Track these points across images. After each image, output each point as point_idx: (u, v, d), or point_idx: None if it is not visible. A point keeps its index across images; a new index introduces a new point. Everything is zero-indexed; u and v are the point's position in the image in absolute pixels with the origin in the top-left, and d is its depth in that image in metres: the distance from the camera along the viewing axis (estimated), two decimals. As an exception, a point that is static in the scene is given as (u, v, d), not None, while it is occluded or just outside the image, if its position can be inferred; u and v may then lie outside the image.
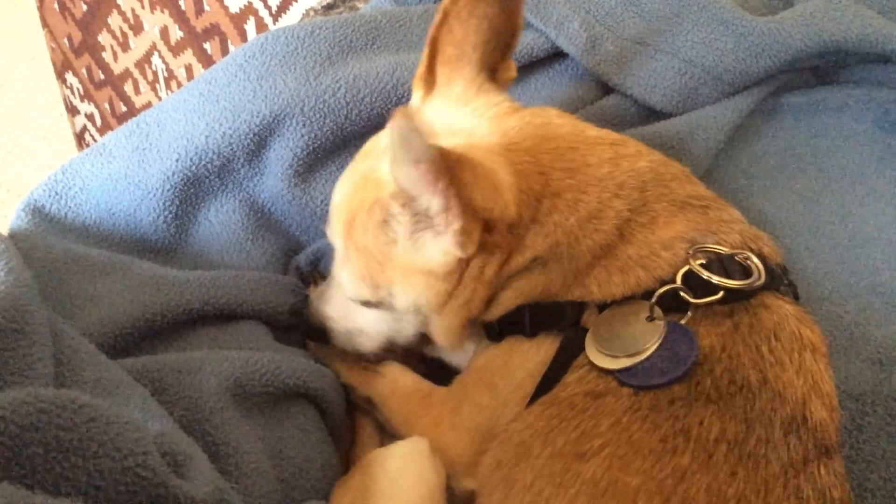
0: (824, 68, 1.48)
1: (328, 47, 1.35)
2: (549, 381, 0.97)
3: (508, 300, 1.04)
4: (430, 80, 1.12)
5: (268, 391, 1.09)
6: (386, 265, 1.03)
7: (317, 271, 1.38)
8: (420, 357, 1.29)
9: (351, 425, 1.28)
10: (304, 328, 1.27)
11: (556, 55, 1.45)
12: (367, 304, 1.11)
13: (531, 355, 1.01)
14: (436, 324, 1.10)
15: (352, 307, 1.16)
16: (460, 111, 1.08)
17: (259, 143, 1.30)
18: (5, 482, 0.62)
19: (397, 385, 1.20)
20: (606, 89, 1.44)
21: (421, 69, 1.12)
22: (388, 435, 1.24)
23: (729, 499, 0.79)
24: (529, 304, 1.02)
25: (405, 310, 1.08)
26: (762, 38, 1.33)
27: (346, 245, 1.07)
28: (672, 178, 1.02)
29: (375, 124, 1.33)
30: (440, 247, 0.97)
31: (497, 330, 1.07)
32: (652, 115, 1.41)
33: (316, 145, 1.31)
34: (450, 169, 0.85)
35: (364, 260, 1.05)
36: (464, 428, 1.08)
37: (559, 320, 0.99)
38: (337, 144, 1.35)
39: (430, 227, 0.97)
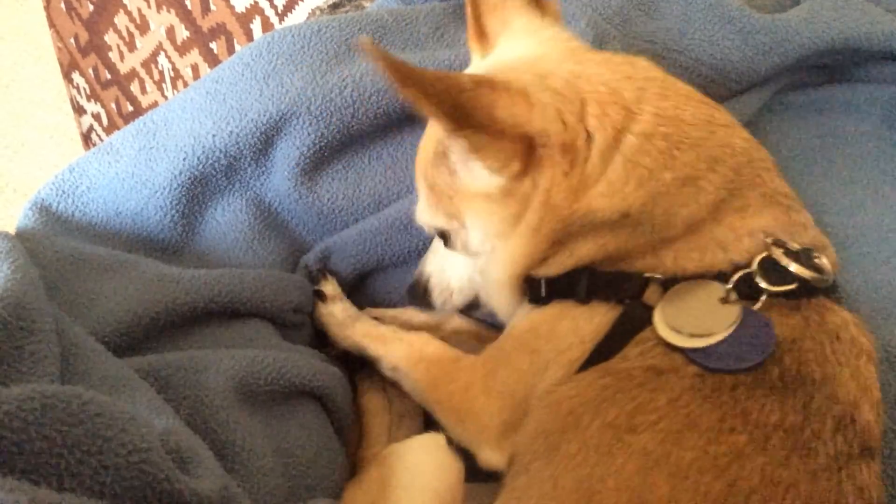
0: (831, 66, 1.47)
1: (334, 46, 1.35)
2: (605, 350, 0.95)
3: (584, 253, 1.00)
4: (482, 37, 1.13)
5: (274, 389, 1.09)
6: (454, 196, 1.05)
7: (325, 269, 1.38)
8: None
9: (358, 424, 1.28)
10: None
11: (562, 54, 1.44)
12: (445, 238, 1.12)
13: (583, 322, 0.99)
14: (498, 260, 1.07)
15: (446, 260, 1.21)
16: (528, 41, 1.09)
17: (266, 141, 1.30)
18: (11, 477, 0.62)
19: (425, 351, 1.19)
20: (613, 88, 1.44)
21: (469, 31, 1.13)
22: (396, 433, 1.24)
23: (780, 483, 0.78)
24: (588, 268, 1.00)
25: (481, 244, 1.08)
26: (769, 36, 1.33)
27: (423, 186, 1.10)
28: (763, 168, 1.00)
29: (382, 123, 1.33)
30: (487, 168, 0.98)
31: (545, 291, 1.04)
32: (659, 113, 1.40)
33: (322, 144, 1.31)
34: (440, 92, 0.85)
35: (436, 195, 1.08)
36: (496, 392, 1.06)
37: (619, 290, 0.97)
38: (343, 143, 1.35)
39: None
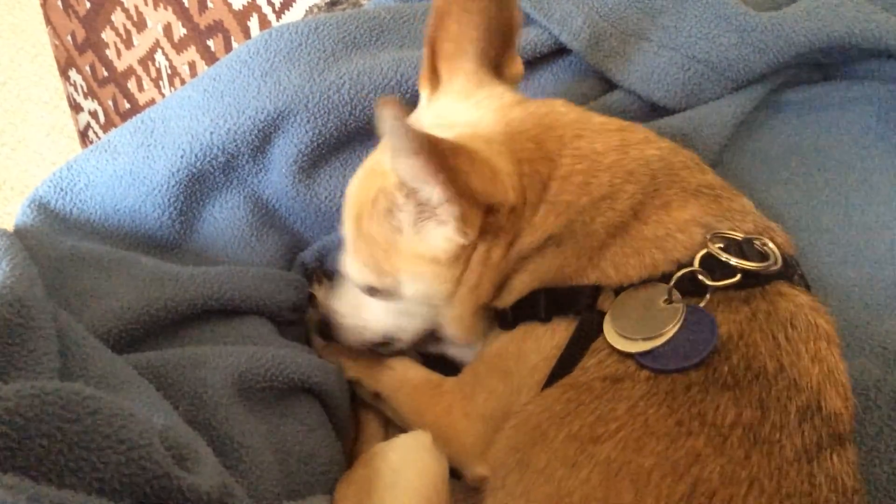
0: (827, 64, 1.47)
1: (332, 44, 1.35)
2: (565, 363, 0.97)
3: (523, 284, 1.05)
4: (433, 79, 1.14)
5: (272, 386, 1.09)
6: (391, 253, 1.05)
7: (322, 268, 1.39)
8: (420, 354, 1.30)
9: (355, 420, 1.28)
10: (311, 323, 1.28)
11: (559, 51, 1.44)
12: (372, 291, 1.12)
13: (546, 340, 1.01)
14: (447, 315, 1.11)
15: (359, 302, 1.18)
16: (463, 104, 1.10)
17: (263, 139, 1.30)
18: (10, 473, 0.62)
19: (406, 377, 1.20)
20: (610, 85, 1.44)
21: (423, 69, 1.15)
22: (392, 430, 1.25)
23: (742, 481, 0.79)
24: (545, 289, 1.03)
25: (414, 299, 1.09)
26: (765, 33, 1.33)
27: (356, 236, 1.09)
28: (682, 167, 1.03)
29: (379, 121, 1.33)
30: (443, 234, 1.00)
31: (510, 317, 1.07)
32: (655, 110, 1.40)
33: (320, 142, 1.32)
34: (443, 157, 0.88)
35: (369, 247, 1.07)
36: (477, 415, 1.08)
37: (575, 304, 0.99)
38: (341, 141, 1.35)
39: (433, 217, 0.99)
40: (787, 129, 1.43)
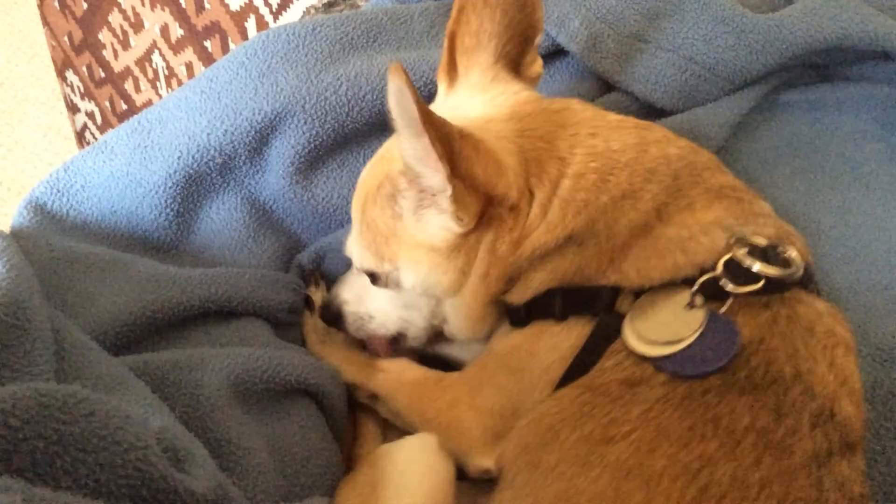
0: (824, 65, 1.48)
1: (329, 45, 1.35)
2: (581, 364, 0.96)
3: (540, 282, 1.04)
4: (451, 73, 1.15)
5: (269, 388, 1.09)
6: (391, 239, 1.07)
7: (319, 270, 1.38)
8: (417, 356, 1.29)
9: (352, 422, 1.28)
10: (320, 312, 1.29)
11: (557, 52, 1.45)
12: (374, 278, 1.13)
13: (562, 339, 1.00)
14: (456, 306, 1.11)
15: (366, 291, 1.19)
16: (478, 98, 1.11)
17: (260, 140, 1.30)
18: (6, 475, 0.62)
19: (404, 376, 1.20)
20: (608, 87, 1.44)
21: (442, 62, 1.16)
22: (390, 432, 1.25)
23: (753, 485, 0.79)
24: (561, 288, 1.02)
25: (412, 288, 1.09)
26: (762, 35, 1.33)
27: (360, 220, 1.11)
28: (704, 168, 1.03)
29: (377, 122, 1.33)
30: (440, 223, 1.01)
31: (523, 314, 1.07)
32: (653, 112, 1.41)
33: (317, 143, 1.32)
34: (448, 137, 0.89)
35: (371, 232, 1.09)
36: (484, 408, 1.07)
37: (592, 304, 0.99)
38: (338, 142, 1.35)
39: (433, 205, 1.00)
40: (785, 130, 1.44)
